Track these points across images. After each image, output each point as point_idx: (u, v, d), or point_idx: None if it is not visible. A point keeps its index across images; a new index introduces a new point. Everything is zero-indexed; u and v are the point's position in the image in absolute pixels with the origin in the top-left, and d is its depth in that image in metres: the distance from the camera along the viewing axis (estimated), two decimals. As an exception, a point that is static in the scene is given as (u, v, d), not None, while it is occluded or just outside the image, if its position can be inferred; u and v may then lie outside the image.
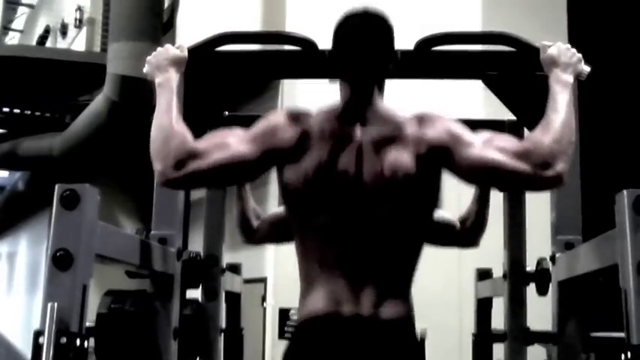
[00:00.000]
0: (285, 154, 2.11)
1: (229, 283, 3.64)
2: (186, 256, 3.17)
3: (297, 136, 2.11)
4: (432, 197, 2.15)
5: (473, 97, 6.96)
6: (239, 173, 2.17)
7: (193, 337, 3.09)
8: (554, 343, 2.59)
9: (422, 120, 2.12)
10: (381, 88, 2.17)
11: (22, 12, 17.42)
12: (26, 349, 2.40)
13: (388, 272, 2.07)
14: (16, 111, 11.46)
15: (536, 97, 2.48)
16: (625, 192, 1.88)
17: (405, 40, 2.56)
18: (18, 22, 17.55)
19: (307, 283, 2.10)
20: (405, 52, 2.57)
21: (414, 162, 2.06)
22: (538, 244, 3.16)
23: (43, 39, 13.79)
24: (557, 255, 2.60)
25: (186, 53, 2.39)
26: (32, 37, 15.30)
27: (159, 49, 2.38)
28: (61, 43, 13.24)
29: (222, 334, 3.64)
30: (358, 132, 2.10)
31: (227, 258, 3.87)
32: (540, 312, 3.12)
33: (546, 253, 2.99)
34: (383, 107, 2.15)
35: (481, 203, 3.06)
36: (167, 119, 2.16)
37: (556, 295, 2.58)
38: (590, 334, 2.49)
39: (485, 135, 2.10)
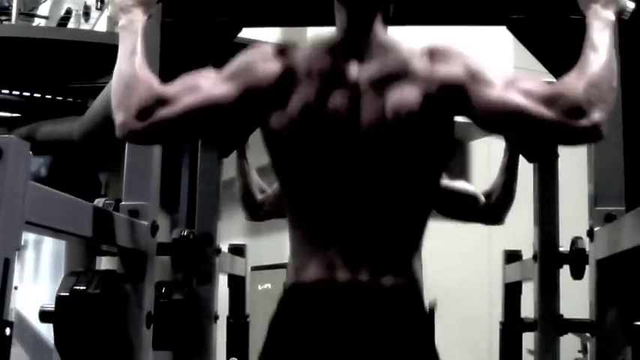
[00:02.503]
0: (267, 94, 1.77)
1: (230, 265, 3.33)
2: (177, 234, 2.88)
3: (280, 73, 1.77)
4: (442, 147, 1.79)
5: (502, 46, 6.67)
6: (214, 118, 1.82)
7: (183, 323, 2.78)
8: (591, 333, 2.21)
9: (434, 54, 1.77)
10: (385, 15, 1.81)
11: (47, -4, 17.28)
12: (51, 337, 2.09)
13: (391, 234, 1.75)
14: (37, 95, 11.21)
15: (570, 45, 2.11)
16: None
17: None
18: (43, 9, 17.38)
19: (297, 246, 1.80)
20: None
21: (422, 103, 1.72)
22: (573, 222, 2.83)
23: (64, 20, 13.55)
24: (595, 229, 2.21)
25: None
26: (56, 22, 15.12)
27: None
28: (84, 26, 13.01)
29: (227, 321, 3.35)
30: (355, 68, 1.76)
31: (247, 242, 3.60)
32: (576, 298, 2.80)
33: (583, 232, 2.66)
34: (386, 38, 1.79)
35: (508, 175, 2.77)
36: (129, 64, 1.84)
37: (594, 277, 2.19)
38: (634, 323, 2.12)
39: (508, 75, 1.75)
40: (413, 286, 1.77)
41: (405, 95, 1.72)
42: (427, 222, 1.81)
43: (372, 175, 1.73)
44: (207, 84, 1.78)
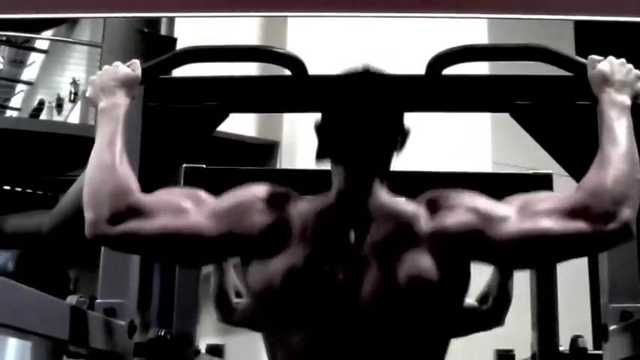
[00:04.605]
0: (251, 244, 1.64)
1: (208, 367, 3.15)
2: (153, 334, 2.69)
3: (269, 229, 1.63)
4: (458, 301, 1.67)
5: (481, 140, 6.61)
6: (189, 251, 1.68)
7: None
8: None
9: (434, 206, 1.64)
10: (384, 175, 1.69)
11: (20, 89, 17.19)
12: None
13: None
14: (6, 188, 11.04)
15: (577, 132, 2.00)
16: None
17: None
18: (15, 101, 17.29)
19: None
20: (414, 79, 2.10)
21: (434, 266, 1.59)
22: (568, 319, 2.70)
23: (37, 112, 13.43)
24: (610, 328, 2.05)
25: (139, 72, 1.92)
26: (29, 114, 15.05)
27: (106, 67, 1.92)
28: (57, 118, 12.90)
29: None
30: (354, 232, 1.62)
31: (223, 340, 3.42)
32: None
33: (579, 329, 2.51)
34: (386, 199, 1.66)
35: (503, 274, 2.61)
36: (108, 157, 1.70)
37: (612, 382, 2.03)
38: None
39: (518, 200, 1.64)
40: None
41: (414, 261, 1.59)
42: None
43: (374, 344, 1.59)
44: (191, 210, 1.65)
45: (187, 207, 1.65)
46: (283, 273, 1.60)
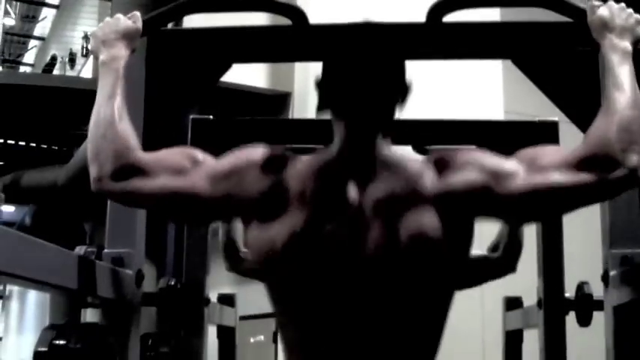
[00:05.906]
0: (251, 208, 1.63)
1: (219, 316, 3.18)
2: (163, 283, 2.73)
3: (269, 189, 1.61)
4: (462, 256, 1.64)
5: (493, 90, 6.57)
6: (187, 211, 1.71)
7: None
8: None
9: (441, 164, 1.61)
10: (387, 130, 1.65)
11: (33, 45, 17.21)
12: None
13: None
14: (21, 143, 11.09)
15: (578, 78, 2.00)
16: None
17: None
18: (29, 56, 17.32)
19: None
20: (415, 27, 2.09)
21: (438, 223, 1.57)
22: (574, 266, 2.71)
23: (49, 67, 13.44)
24: (611, 273, 2.07)
25: (140, 24, 1.93)
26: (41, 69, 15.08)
27: (107, 19, 1.93)
28: (70, 73, 12.93)
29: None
30: (356, 189, 1.59)
31: (235, 290, 3.45)
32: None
33: (585, 276, 2.52)
34: (390, 155, 1.63)
35: (513, 222, 2.63)
36: (109, 111, 1.73)
37: (611, 325, 2.05)
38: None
39: (525, 155, 1.63)
40: None
41: (418, 219, 1.56)
42: (443, 334, 1.67)
43: (380, 304, 1.58)
44: (191, 171, 1.66)
45: (186, 167, 1.67)
46: (284, 236, 1.58)
